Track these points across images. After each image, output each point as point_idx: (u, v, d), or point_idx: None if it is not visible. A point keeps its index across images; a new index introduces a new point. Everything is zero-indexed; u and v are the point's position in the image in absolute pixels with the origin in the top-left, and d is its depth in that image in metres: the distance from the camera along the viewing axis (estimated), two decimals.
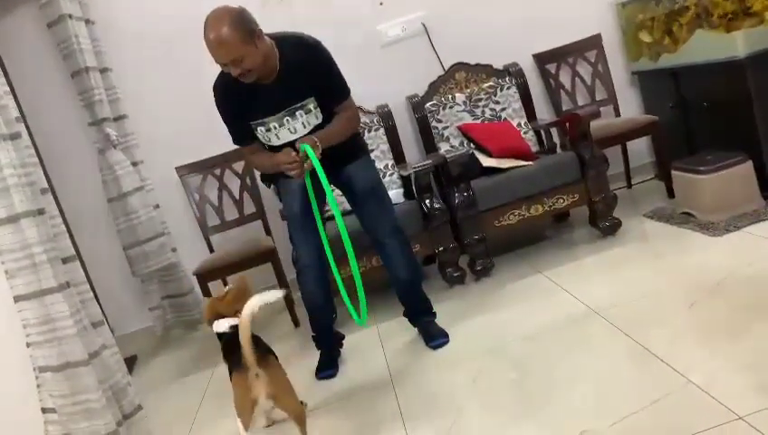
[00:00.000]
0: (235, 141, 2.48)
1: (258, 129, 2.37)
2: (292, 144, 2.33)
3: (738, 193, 2.96)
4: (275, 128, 2.35)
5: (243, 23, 2.13)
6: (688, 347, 2.07)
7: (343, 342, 2.83)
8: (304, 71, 2.29)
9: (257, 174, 3.70)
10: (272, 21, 3.56)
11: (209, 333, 3.41)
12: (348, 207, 2.74)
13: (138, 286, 3.83)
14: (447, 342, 2.63)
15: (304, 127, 2.37)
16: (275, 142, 2.39)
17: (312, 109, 2.36)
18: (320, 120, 2.39)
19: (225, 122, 2.42)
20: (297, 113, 2.34)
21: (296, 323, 3.39)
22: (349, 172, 2.51)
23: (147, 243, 3.57)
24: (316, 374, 2.67)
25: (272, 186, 2.71)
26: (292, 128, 2.36)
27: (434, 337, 2.64)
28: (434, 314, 2.75)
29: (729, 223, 2.91)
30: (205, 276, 3.31)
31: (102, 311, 2.66)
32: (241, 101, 2.32)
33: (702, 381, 1.83)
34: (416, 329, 2.76)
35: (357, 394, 2.46)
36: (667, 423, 1.71)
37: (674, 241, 3.00)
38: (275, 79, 2.30)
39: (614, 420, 1.78)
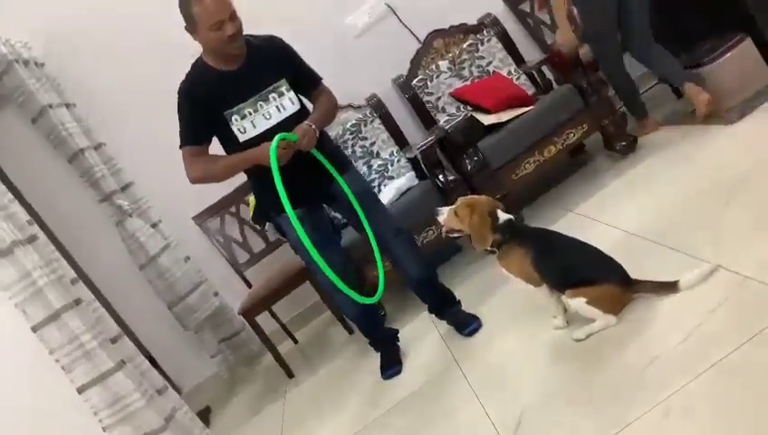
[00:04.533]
0: (190, 141, 2.32)
1: (233, 118, 2.29)
2: (271, 134, 2.23)
3: (745, 73, 2.86)
4: (250, 114, 2.30)
5: None
6: (735, 243, 2.02)
7: (398, 336, 2.83)
8: (271, 55, 2.35)
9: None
10: None
11: (271, 363, 3.50)
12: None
13: (192, 338, 3.89)
14: (480, 325, 2.57)
15: (279, 111, 2.33)
16: (252, 132, 2.31)
17: (285, 91, 2.34)
18: (296, 106, 2.37)
19: (185, 120, 2.32)
20: (270, 96, 2.32)
21: (350, 330, 3.41)
22: (339, 186, 2.44)
23: (188, 296, 3.62)
24: (382, 375, 2.68)
25: (267, 224, 2.67)
26: (266, 113, 2.31)
27: (465, 325, 2.58)
28: (458, 303, 2.70)
29: (744, 106, 2.82)
30: (250, 312, 3.35)
31: (164, 372, 2.72)
32: (212, 91, 2.28)
33: (757, 274, 1.79)
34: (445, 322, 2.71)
35: (425, 383, 2.46)
36: (735, 326, 1.67)
37: (693, 141, 2.93)
38: (244, 64, 2.30)
39: (682, 338, 1.75)
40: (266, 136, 2.26)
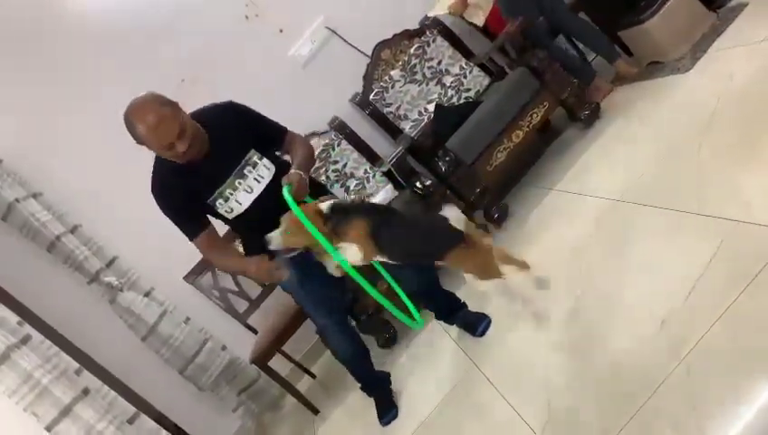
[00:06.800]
0: (191, 235, 2.31)
1: (217, 203, 2.28)
2: (257, 204, 2.28)
3: (687, 20, 2.91)
4: (231, 194, 2.27)
5: (164, 97, 2.11)
6: (716, 188, 2.04)
7: (390, 379, 2.80)
8: (232, 129, 2.27)
9: None
10: (193, 99, 3.65)
11: (295, 403, 3.47)
12: None
13: (211, 397, 3.85)
14: (490, 322, 2.56)
15: (258, 181, 2.29)
16: (239, 209, 2.30)
17: (258, 161, 2.29)
18: (273, 170, 2.32)
19: (175, 219, 2.30)
20: (245, 171, 2.27)
21: None
22: None
23: (197, 357, 3.60)
24: (380, 422, 2.64)
25: None
26: (247, 187, 2.28)
27: (476, 325, 2.57)
28: (464, 304, 2.68)
29: (695, 51, 2.86)
30: (262, 358, 3.32)
31: None
32: (187, 186, 2.23)
33: (744, 215, 1.81)
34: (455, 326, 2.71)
35: (450, 391, 2.45)
36: (735, 272, 1.69)
37: (655, 95, 2.96)
38: (209, 149, 2.24)
39: (686, 294, 1.76)
40: (253, 207, 2.29)
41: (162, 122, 2.04)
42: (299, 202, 2.04)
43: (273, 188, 2.25)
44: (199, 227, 2.31)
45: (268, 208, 2.19)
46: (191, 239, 2.32)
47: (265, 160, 2.31)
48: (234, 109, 2.35)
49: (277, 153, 2.44)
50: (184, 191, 2.24)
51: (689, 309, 1.72)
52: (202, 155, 2.22)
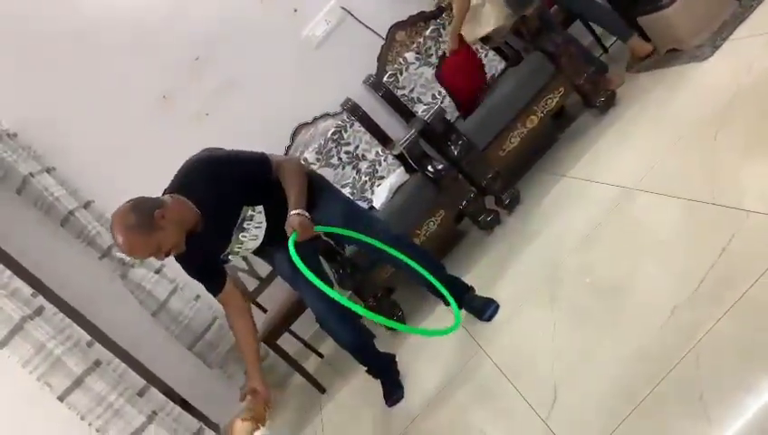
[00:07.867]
0: (215, 292, 2.37)
1: (230, 258, 2.40)
2: (264, 244, 2.39)
3: (708, 7, 2.87)
4: (240, 247, 2.35)
5: (140, 219, 1.99)
6: (732, 178, 2.02)
7: (396, 361, 2.80)
8: (219, 189, 2.18)
9: None
10: (207, 77, 3.66)
11: (302, 382, 3.51)
12: None
13: (218, 374, 3.90)
14: (498, 307, 2.56)
15: (259, 228, 2.34)
16: (251, 251, 2.44)
17: (252, 212, 2.30)
18: (263, 214, 2.34)
19: (195, 277, 2.40)
20: (245, 225, 2.30)
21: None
22: (317, 219, 2.28)
23: (206, 334, 3.65)
24: (387, 403, 2.66)
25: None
26: (252, 236, 2.34)
27: (483, 310, 2.57)
28: (471, 288, 2.67)
29: (714, 39, 2.82)
30: (271, 337, 3.35)
31: (200, 412, 2.73)
32: (198, 253, 2.25)
33: (760, 206, 1.79)
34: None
35: (457, 375, 2.46)
36: (746, 262, 1.68)
37: (672, 83, 2.92)
38: (205, 220, 2.19)
39: (696, 284, 1.75)
40: (262, 247, 2.42)
41: (132, 249, 2.03)
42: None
43: (274, 218, 2.30)
44: (218, 287, 2.36)
45: (275, 230, 2.28)
46: (217, 294, 2.38)
47: (259, 207, 2.32)
48: (212, 163, 2.24)
49: None
50: (197, 257, 2.29)
51: (700, 298, 1.71)
52: (198, 229, 2.18)
